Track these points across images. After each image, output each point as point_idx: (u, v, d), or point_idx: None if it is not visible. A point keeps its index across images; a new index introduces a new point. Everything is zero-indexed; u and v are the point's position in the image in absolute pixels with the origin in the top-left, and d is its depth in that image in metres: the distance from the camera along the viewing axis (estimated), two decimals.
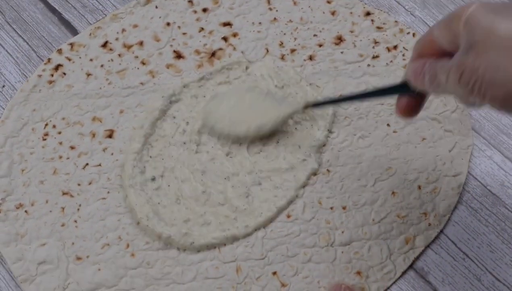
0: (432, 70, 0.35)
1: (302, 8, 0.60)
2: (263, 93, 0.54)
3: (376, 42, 0.58)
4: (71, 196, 0.52)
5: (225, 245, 0.50)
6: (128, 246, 0.50)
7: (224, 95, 0.54)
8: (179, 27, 0.59)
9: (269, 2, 0.60)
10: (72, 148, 0.54)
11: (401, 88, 0.40)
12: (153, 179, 0.52)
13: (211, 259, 0.49)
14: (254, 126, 0.52)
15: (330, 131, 0.54)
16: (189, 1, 0.60)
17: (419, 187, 0.52)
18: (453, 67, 0.32)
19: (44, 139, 0.54)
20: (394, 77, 0.56)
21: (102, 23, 0.59)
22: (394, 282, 0.49)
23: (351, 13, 0.59)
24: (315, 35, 0.58)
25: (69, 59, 0.58)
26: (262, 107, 0.52)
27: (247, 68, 0.57)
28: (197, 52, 0.58)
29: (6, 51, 0.60)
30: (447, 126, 0.54)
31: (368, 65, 0.57)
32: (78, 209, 0.51)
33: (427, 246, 0.50)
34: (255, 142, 0.53)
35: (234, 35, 0.59)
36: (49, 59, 0.58)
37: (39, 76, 0.57)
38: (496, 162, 0.54)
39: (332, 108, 0.54)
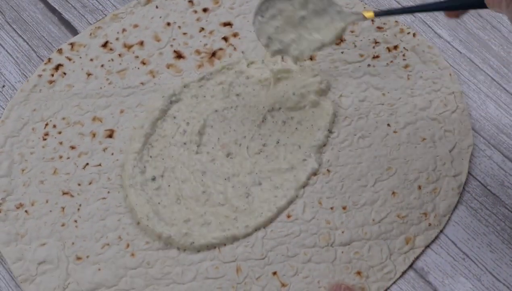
0: None
1: None
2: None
3: (376, 42, 0.58)
4: (71, 195, 0.52)
5: (225, 245, 0.50)
6: (128, 246, 0.50)
7: (270, 10, 0.50)
8: (179, 27, 0.59)
9: None
10: (72, 147, 0.54)
11: (475, 3, 0.42)
12: (153, 179, 0.52)
13: (211, 259, 0.49)
14: (315, 46, 0.49)
15: (330, 131, 0.54)
16: (189, 1, 0.60)
17: (419, 187, 0.52)
18: None
19: (44, 139, 0.54)
20: (395, 77, 0.56)
21: (103, 23, 0.60)
22: (394, 282, 0.49)
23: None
24: None
25: (70, 59, 0.58)
26: (317, 18, 0.49)
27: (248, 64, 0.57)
28: (198, 52, 0.58)
29: (6, 51, 0.60)
30: (447, 126, 0.54)
31: (369, 65, 0.57)
32: (78, 209, 0.51)
33: (427, 246, 0.50)
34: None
35: (235, 35, 0.59)
36: (49, 59, 0.58)
37: (40, 76, 0.57)
38: (496, 162, 0.54)
39: (333, 107, 0.54)
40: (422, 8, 0.47)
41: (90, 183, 0.52)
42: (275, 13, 0.49)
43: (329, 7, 0.49)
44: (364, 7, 0.60)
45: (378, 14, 0.48)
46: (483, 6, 0.41)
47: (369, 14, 0.48)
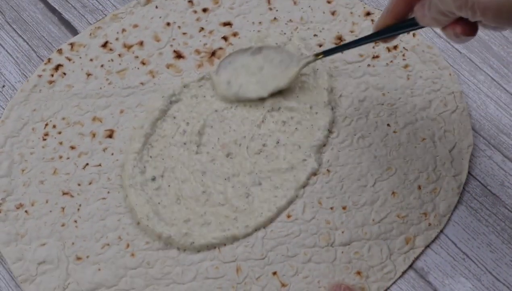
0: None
1: (302, 8, 0.60)
2: (271, 52, 0.55)
3: (376, 42, 0.58)
4: (71, 196, 0.52)
5: (225, 245, 0.50)
6: (128, 246, 0.50)
7: (232, 64, 0.56)
8: (179, 27, 0.59)
9: (269, 2, 0.60)
10: (72, 147, 0.54)
11: (408, 26, 0.41)
12: (153, 179, 0.52)
13: (211, 259, 0.49)
14: (272, 88, 0.54)
15: (330, 131, 0.54)
16: (189, 1, 0.60)
17: (419, 187, 0.52)
18: None
19: (44, 139, 0.54)
20: (394, 77, 0.56)
21: (102, 23, 0.60)
22: (394, 282, 0.49)
23: (351, 13, 0.59)
24: (315, 35, 0.58)
25: (69, 59, 0.58)
26: (274, 67, 0.54)
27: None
28: (197, 52, 0.58)
29: (6, 51, 0.60)
30: (447, 126, 0.54)
31: (368, 65, 0.57)
32: (78, 209, 0.51)
33: (427, 246, 0.50)
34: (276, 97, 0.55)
35: (234, 34, 0.59)
36: (49, 59, 0.58)
37: (39, 76, 0.57)
38: (496, 162, 0.54)
39: (332, 110, 0.54)
40: (365, 40, 0.48)
41: (90, 183, 0.52)
42: (237, 66, 0.55)
43: (285, 56, 0.54)
44: (364, 7, 0.60)
45: (327, 53, 0.52)
46: (416, 25, 0.40)
47: (319, 55, 0.52)
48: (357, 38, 0.50)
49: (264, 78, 0.54)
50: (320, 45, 0.58)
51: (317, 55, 0.52)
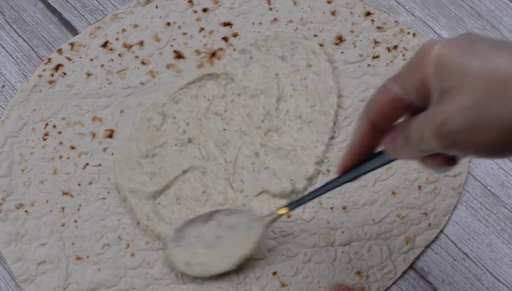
0: (403, 132, 0.31)
1: (302, 8, 0.60)
2: (224, 216, 0.49)
3: (376, 42, 0.58)
4: (71, 196, 0.52)
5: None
6: (128, 246, 0.50)
7: (184, 239, 0.48)
8: (179, 27, 0.59)
9: (269, 2, 0.60)
10: (72, 147, 0.54)
11: (379, 159, 0.36)
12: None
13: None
14: (237, 259, 0.47)
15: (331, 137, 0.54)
16: (189, 1, 0.60)
17: (419, 187, 0.52)
18: (429, 120, 0.29)
19: (45, 139, 0.54)
20: None
21: (103, 23, 0.60)
22: (394, 282, 0.49)
23: (351, 13, 0.59)
24: (315, 35, 0.58)
25: (69, 59, 0.58)
26: (233, 233, 0.48)
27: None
28: (198, 52, 0.58)
29: (6, 51, 0.60)
30: None
31: (369, 65, 0.57)
32: (78, 209, 0.51)
33: (427, 246, 0.50)
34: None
35: (235, 35, 0.59)
36: (49, 59, 0.58)
37: (40, 76, 0.57)
38: (496, 162, 0.54)
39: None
40: (332, 185, 0.41)
41: (90, 183, 0.52)
42: (191, 240, 0.48)
43: (244, 218, 0.48)
44: (364, 7, 0.60)
45: (292, 206, 0.46)
46: (388, 158, 0.35)
47: (283, 210, 0.46)
48: (321, 185, 0.42)
49: (226, 249, 0.47)
50: (321, 45, 0.58)
51: (279, 210, 0.46)
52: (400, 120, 0.33)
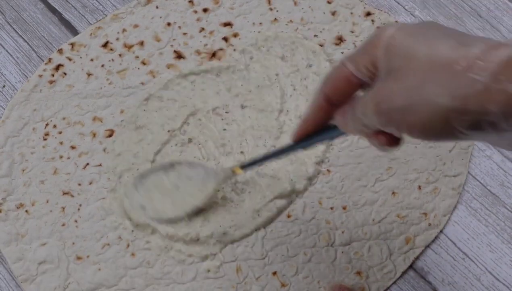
0: (351, 107, 0.33)
1: (302, 9, 0.60)
2: (185, 168, 0.50)
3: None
4: (72, 195, 0.52)
5: (225, 245, 0.50)
6: (128, 246, 0.50)
7: (143, 184, 0.50)
8: (179, 27, 0.59)
9: (269, 2, 0.60)
10: (72, 147, 0.54)
11: (330, 132, 0.37)
12: None
13: (211, 258, 0.49)
14: (189, 209, 0.49)
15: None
16: (189, 1, 0.60)
17: (419, 187, 0.52)
18: (371, 95, 0.31)
19: (45, 139, 0.54)
20: None
21: (103, 23, 0.60)
22: (394, 282, 0.49)
23: (351, 13, 0.59)
24: (315, 35, 0.58)
25: (70, 59, 0.58)
26: (190, 184, 0.49)
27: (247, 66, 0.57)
28: (198, 52, 0.58)
29: (7, 51, 0.60)
30: None
31: None
32: (79, 209, 0.51)
33: (427, 246, 0.50)
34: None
35: (235, 35, 0.59)
36: (50, 59, 0.58)
37: (40, 76, 0.57)
38: (496, 162, 0.54)
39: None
40: (284, 151, 0.42)
41: (90, 183, 0.52)
42: (150, 187, 0.50)
43: (201, 171, 0.50)
44: (364, 7, 0.60)
45: (245, 166, 0.47)
46: (338, 131, 0.36)
47: (237, 169, 0.47)
48: (274, 150, 0.44)
49: (180, 198, 0.49)
50: (321, 46, 0.58)
51: (234, 169, 0.47)
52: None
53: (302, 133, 0.38)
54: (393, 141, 0.33)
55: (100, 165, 0.53)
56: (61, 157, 0.53)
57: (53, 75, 0.57)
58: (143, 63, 0.57)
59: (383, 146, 0.33)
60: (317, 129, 0.37)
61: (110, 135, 0.54)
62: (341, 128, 0.36)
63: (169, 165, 0.50)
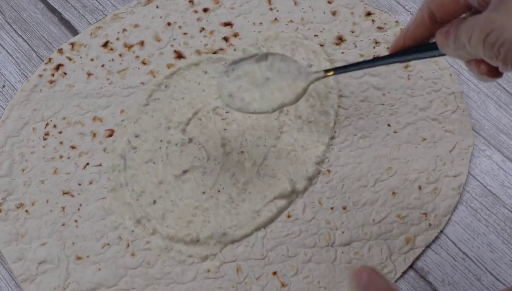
0: (456, 29, 0.31)
1: (303, 8, 0.60)
2: (278, 60, 0.50)
3: (377, 42, 0.58)
4: (72, 195, 0.52)
5: (225, 245, 0.50)
6: (128, 245, 0.50)
7: (235, 71, 0.50)
8: (180, 27, 0.59)
9: (270, 2, 0.60)
10: (72, 147, 0.54)
11: (430, 50, 0.37)
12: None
13: (211, 259, 0.49)
14: (277, 105, 0.48)
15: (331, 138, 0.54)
16: (190, 1, 0.60)
17: (420, 187, 0.52)
18: (479, 25, 0.29)
19: (45, 139, 0.54)
20: (395, 77, 0.56)
21: (103, 23, 0.60)
22: (394, 282, 0.49)
23: (352, 13, 0.59)
24: (316, 35, 0.58)
25: (70, 59, 0.58)
26: (280, 78, 0.49)
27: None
28: (198, 52, 0.58)
29: (6, 51, 0.60)
30: (448, 126, 0.54)
31: None
32: (79, 209, 0.51)
33: (427, 246, 0.50)
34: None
35: (235, 35, 0.59)
36: (50, 59, 0.58)
37: (40, 76, 0.57)
38: (496, 162, 0.54)
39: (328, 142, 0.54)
40: (379, 61, 0.43)
41: (90, 183, 0.52)
42: (240, 74, 0.49)
43: (294, 67, 0.49)
44: (365, 7, 0.60)
45: (338, 71, 0.48)
46: (438, 52, 0.36)
47: (329, 72, 0.48)
48: (370, 58, 0.45)
49: (269, 92, 0.49)
50: (321, 45, 0.58)
51: (327, 71, 0.48)
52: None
53: (399, 45, 0.37)
54: (494, 72, 0.31)
55: (100, 164, 0.53)
56: (61, 157, 0.53)
57: (53, 75, 0.57)
58: (144, 63, 0.57)
59: (483, 76, 0.32)
60: (416, 44, 0.37)
61: (110, 135, 0.54)
62: (441, 48, 0.34)
63: (263, 55, 0.49)
